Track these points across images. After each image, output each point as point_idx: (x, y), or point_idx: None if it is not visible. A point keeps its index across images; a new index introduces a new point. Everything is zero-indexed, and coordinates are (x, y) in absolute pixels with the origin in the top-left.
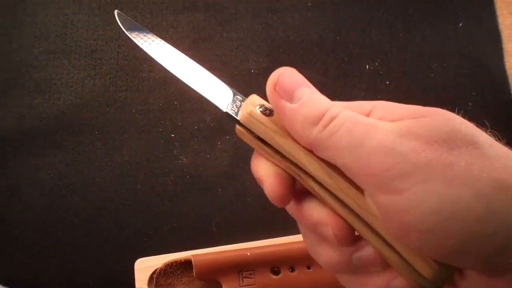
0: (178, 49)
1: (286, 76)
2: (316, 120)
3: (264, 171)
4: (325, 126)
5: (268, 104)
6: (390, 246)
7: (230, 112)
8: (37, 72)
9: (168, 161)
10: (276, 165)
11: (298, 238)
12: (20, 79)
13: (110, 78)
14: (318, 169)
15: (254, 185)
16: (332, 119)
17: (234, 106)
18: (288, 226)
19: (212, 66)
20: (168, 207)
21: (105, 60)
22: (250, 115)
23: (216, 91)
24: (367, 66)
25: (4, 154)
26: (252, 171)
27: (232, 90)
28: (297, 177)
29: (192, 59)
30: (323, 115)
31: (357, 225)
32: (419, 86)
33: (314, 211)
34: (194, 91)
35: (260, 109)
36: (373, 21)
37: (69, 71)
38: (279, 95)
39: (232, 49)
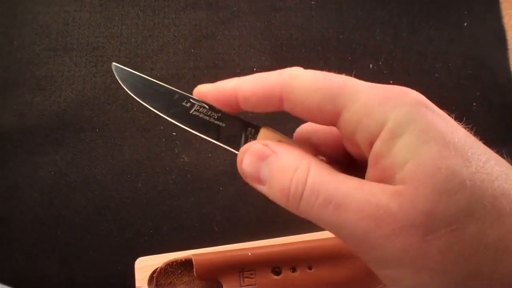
0: (181, 48)
1: (247, 162)
2: (286, 198)
3: None
4: (297, 206)
5: (283, 136)
6: None
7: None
8: (38, 70)
9: (169, 159)
10: None
11: (299, 238)
12: (21, 76)
13: (111, 76)
14: None
15: None
16: (300, 196)
17: (249, 140)
18: (290, 226)
19: (214, 64)
20: (169, 206)
21: (106, 57)
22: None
23: (226, 131)
24: (371, 66)
25: (5, 152)
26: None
27: (241, 123)
28: None
29: (194, 57)
30: (288, 192)
31: None
32: (423, 86)
33: None
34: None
35: None
36: (377, 21)
37: (70, 69)
38: (251, 181)
39: (234, 48)
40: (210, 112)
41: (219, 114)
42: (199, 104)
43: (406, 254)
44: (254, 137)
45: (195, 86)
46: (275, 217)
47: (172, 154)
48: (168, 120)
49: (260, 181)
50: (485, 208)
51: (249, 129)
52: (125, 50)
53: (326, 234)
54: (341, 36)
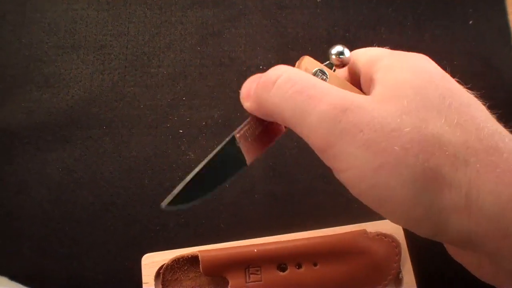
0: (187, 45)
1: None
2: (264, 84)
3: None
4: (269, 90)
5: (324, 66)
6: None
7: None
8: (46, 67)
9: (176, 156)
10: None
11: (305, 235)
12: (29, 74)
13: (118, 73)
14: None
15: (261, 181)
16: (274, 81)
17: None
18: (295, 222)
19: (221, 62)
20: None
21: (114, 55)
22: None
23: None
24: None
25: (13, 148)
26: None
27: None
28: None
29: (201, 54)
30: (268, 79)
31: None
32: None
33: None
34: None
35: (317, 75)
36: (382, 19)
37: (78, 66)
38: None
39: (241, 45)
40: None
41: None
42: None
43: (368, 149)
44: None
45: (202, 83)
46: (281, 214)
47: (178, 151)
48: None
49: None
50: (450, 109)
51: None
52: (132, 48)
53: (331, 231)
54: (347, 34)
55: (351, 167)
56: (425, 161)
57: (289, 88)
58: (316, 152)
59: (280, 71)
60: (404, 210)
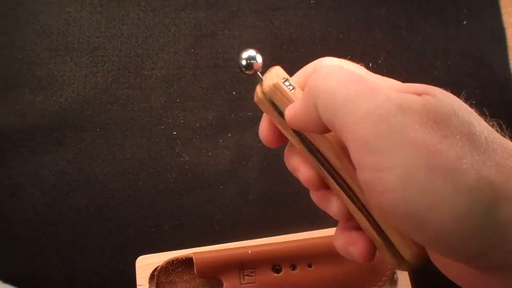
0: (181, 47)
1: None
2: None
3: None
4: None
5: (292, 79)
6: (374, 222)
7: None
8: (39, 70)
9: (170, 158)
10: (288, 138)
11: (299, 236)
12: (22, 76)
13: (112, 76)
14: (328, 149)
15: (256, 182)
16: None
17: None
18: (289, 224)
19: (215, 63)
20: (170, 205)
21: (107, 57)
22: (275, 87)
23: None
24: (370, 64)
25: (7, 151)
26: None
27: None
28: (304, 152)
29: (195, 56)
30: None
31: (351, 206)
32: (422, 84)
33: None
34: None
35: (285, 83)
36: (375, 20)
37: (71, 69)
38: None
39: (234, 47)
40: None
41: None
42: None
43: (423, 148)
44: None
45: (195, 85)
46: (275, 216)
47: (172, 153)
48: None
49: None
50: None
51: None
52: (126, 50)
53: (325, 232)
54: (341, 35)
55: (397, 165)
56: (479, 170)
57: (346, 76)
58: (354, 147)
59: (331, 63)
60: (454, 221)
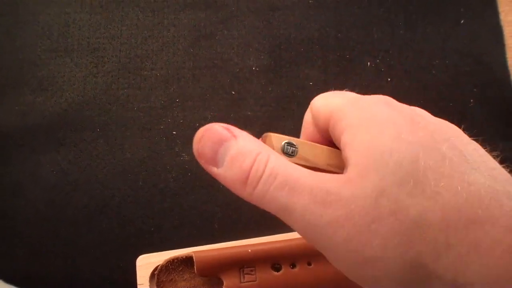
0: (180, 48)
1: (205, 142)
2: (244, 180)
3: None
4: (254, 188)
5: (290, 138)
6: None
7: None
8: (39, 71)
9: (169, 158)
10: None
11: (299, 234)
12: (22, 77)
13: (112, 76)
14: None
15: None
16: (259, 177)
17: None
18: None
19: (214, 64)
20: (170, 204)
21: (107, 58)
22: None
23: None
24: (369, 64)
25: (7, 151)
26: None
27: None
28: None
29: (194, 57)
30: (248, 174)
31: None
32: (421, 83)
33: None
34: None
35: (285, 152)
36: (374, 19)
37: (71, 69)
38: (205, 162)
39: (233, 47)
40: None
41: None
42: None
43: (350, 245)
44: None
45: (195, 85)
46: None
47: (172, 152)
48: None
49: (216, 162)
50: (425, 172)
51: None
52: (125, 51)
53: None
54: (339, 34)
55: (337, 260)
56: (405, 253)
57: (271, 184)
58: None
59: (253, 157)
60: None
